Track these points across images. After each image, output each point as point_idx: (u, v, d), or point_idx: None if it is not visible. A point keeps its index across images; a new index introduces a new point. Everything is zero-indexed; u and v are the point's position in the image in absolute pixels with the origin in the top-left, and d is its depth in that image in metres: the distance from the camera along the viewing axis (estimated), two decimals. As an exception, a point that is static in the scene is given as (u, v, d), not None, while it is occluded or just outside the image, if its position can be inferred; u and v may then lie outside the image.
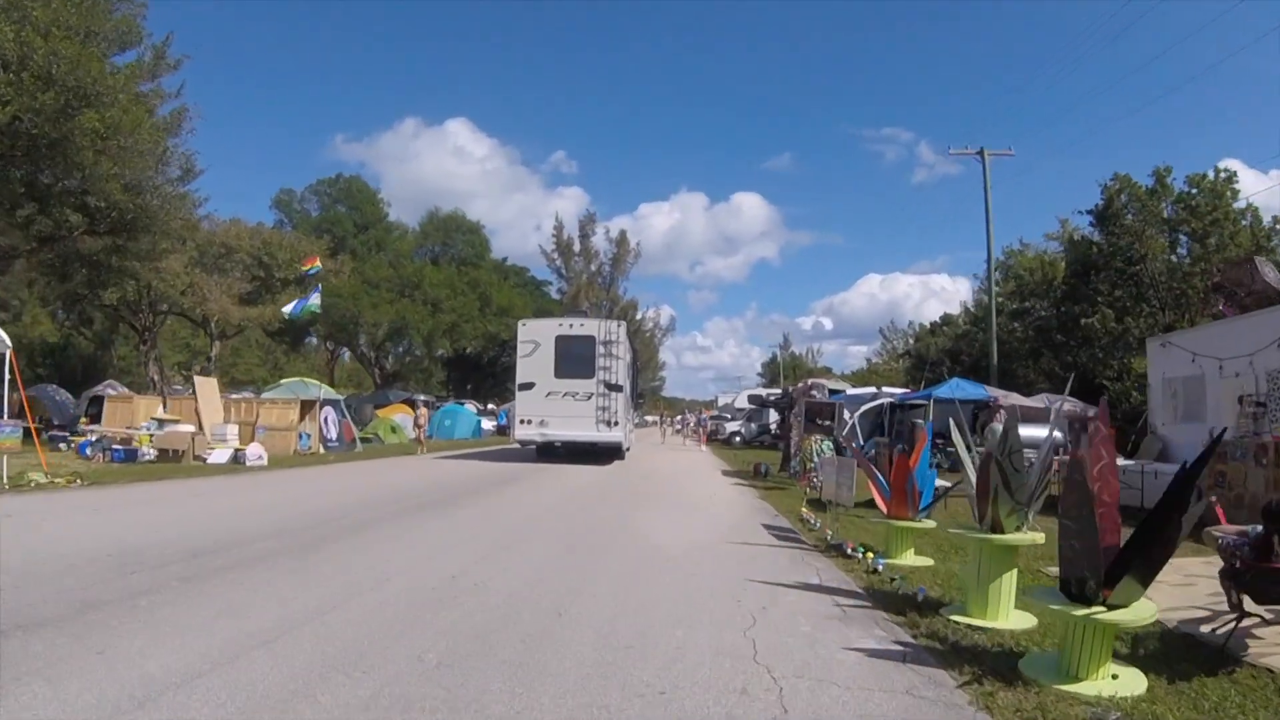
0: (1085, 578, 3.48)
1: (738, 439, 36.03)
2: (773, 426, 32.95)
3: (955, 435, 5.24)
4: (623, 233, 60.62)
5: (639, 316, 63.32)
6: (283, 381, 24.92)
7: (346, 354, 51.70)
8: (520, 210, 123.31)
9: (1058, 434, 12.56)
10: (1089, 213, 25.78)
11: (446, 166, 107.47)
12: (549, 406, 17.10)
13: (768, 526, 8.58)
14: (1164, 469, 9.96)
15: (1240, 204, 23.82)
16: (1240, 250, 21.04)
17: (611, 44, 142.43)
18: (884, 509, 6.54)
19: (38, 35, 15.30)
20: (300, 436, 18.68)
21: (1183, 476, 3.54)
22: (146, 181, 19.95)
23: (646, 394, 77.29)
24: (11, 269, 22.55)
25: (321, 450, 19.20)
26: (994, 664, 3.73)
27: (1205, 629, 4.43)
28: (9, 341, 11.59)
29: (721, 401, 55.93)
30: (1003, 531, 4.42)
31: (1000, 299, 28.89)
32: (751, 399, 38.24)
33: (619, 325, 18.16)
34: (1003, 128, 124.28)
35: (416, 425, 19.52)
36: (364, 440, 24.32)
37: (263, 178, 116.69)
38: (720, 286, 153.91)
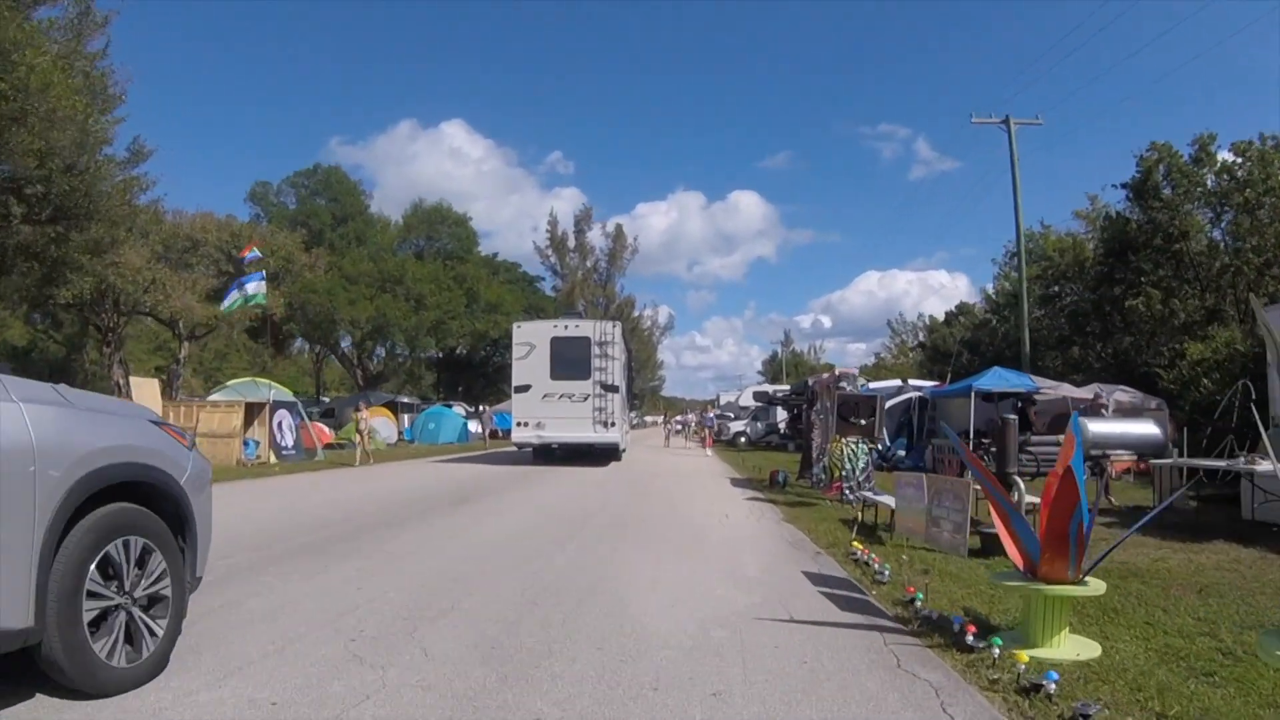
0: None
1: (743, 439, 33.83)
2: (781, 426, 30.71)
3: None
4: (619, 227, 58.16)
5: (636, 314, 61.04)
6: (230, 383, 22.45)
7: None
8: (517, 212, 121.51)
9: (1156, 430, 10.30)
10: (1124, 186, 23.49)
11: (443, 168, 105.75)
12: (545, 408, 17.04)
13: (811, 576, 5.69)
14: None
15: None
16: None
17: (608, 44, 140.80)
18: (1019, 563, 3.88)
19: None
20: (246, 444, 16.33)
21: None
22: (82, 162, 17.70)
23: (645, 394, 75.00)
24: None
25: (272, 460, 16.80)
26: None
27: None
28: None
29: (724, 400, 53.49)
30: None
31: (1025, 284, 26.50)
32: (757, 396, 35.87)
33: (614, 326, 18.08)
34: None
35: (358, 431, 17.06)
36: (339, 445, 22.16)
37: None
38: (718, 286, 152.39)
